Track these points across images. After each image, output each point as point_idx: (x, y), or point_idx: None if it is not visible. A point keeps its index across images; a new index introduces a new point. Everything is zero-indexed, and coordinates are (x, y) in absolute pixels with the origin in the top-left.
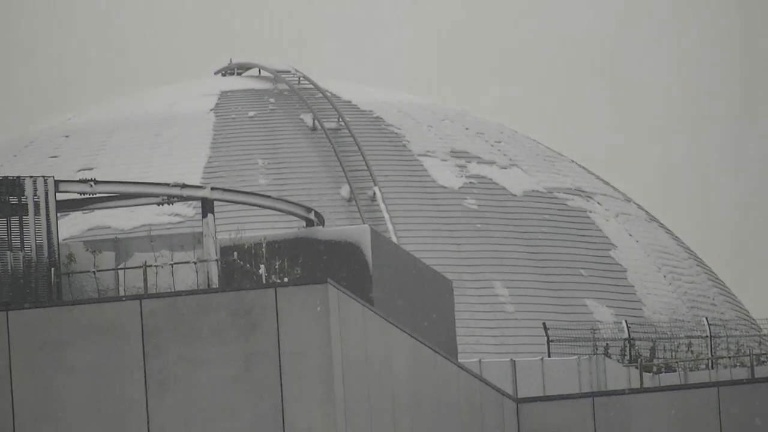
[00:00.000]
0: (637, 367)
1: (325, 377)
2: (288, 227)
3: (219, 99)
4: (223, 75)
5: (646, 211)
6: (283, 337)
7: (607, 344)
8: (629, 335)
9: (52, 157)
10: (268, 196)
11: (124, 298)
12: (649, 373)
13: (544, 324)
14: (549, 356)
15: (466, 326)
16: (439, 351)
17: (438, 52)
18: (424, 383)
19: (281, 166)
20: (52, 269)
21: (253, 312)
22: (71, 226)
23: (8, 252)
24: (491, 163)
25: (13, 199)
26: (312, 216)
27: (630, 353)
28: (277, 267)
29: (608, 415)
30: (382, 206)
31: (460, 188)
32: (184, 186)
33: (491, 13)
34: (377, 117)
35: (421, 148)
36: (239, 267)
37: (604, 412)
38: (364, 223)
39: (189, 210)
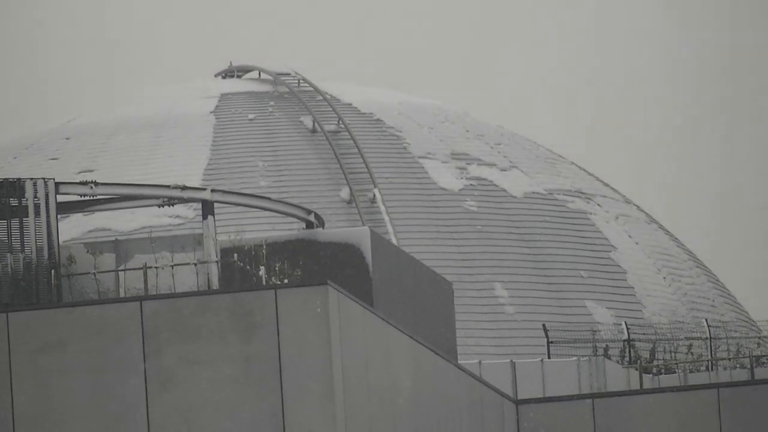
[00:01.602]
0: (636, 369)
1: (324, 378)
2: (288, 229)
3: (219, 101)
4: (223, 77)
5: (646, 213)
6: (283, 339)
7: (606, 346)
8: (629, 337)
9: (53, 159)
10: (268, 198)
11: (124, 300)
12: (649, 374)
13: (543, 325)
14: (549, 357)
15: (466, 328)
16: (439, 352)
17: (438, 54)
18: (423, 384)
19: (281, 168)
20: (53, 271)
21: (253, 313)
22: (71, 227)
23: (8, 254)
24: (491, 165)
25: (14, 201)
26: (312, 218)
27: (630, 355)
28: (277, 268)
29: (608, 417)
30: (382, 208)
31: (460, 190)
32: (184, 188)
33: (492, 15)
34: (377, 119)
35: (421, 150)
36: (239, 268)
37: (604, 414)
38: (364, 225)
39: (189, 212)
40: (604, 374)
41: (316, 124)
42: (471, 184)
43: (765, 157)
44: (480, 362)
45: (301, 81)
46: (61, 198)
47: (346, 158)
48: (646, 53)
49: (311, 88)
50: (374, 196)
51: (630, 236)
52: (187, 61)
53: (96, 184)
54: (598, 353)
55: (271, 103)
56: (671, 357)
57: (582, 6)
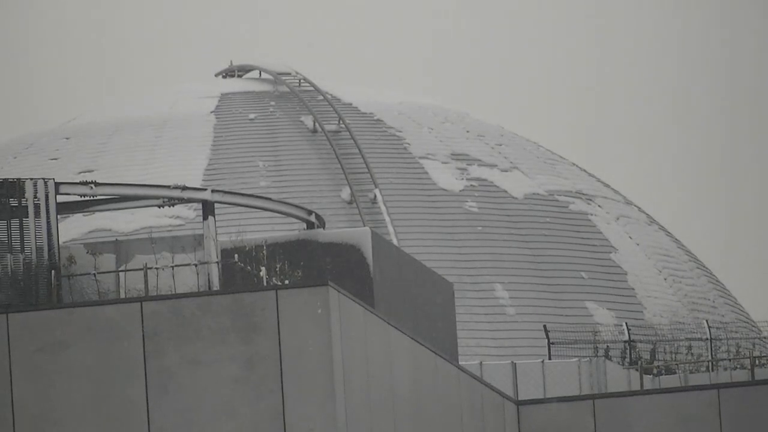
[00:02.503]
0: (637, 370)
1: (325, 379)
2: (289, 229)
3: (219, 101)
4: (224, 77)
5: (647, 214)
6: (284, 339)
7: (607, 346)
8: (629, 337)
9: (53, 159)
10: (269, 199)
11: (124, 300)
12: (650, 375)
13: (544, 326)
14: (549, 358)
15: (466, 329)
16: (440, 353)
17: (439, 54)
18: (424, 385)
19: (282, 168)
20: (53, 271)
21: (254, 314)
22: (72, 228)
23: (8, 254)
24: (492, 165)
25: (14, 201)
26: (312, 218)
27: (630, 355)
28: (277, 269)
29: (609, 417)
30: (383, 209)
31: (460, 191)
32: (184, 188)
33: (492, 15)
34: (378, 119)
35: (422, 151)
36: (240, 269)
37: (605, 414)
38: (364, 226)
39: (190, 212)
40: (605, 375)
41: (316, 124)
42: (471, 185)
43: (766, 157)
44: (481, 363)
45: (301, 81)
46: (61, 198)
47: (346, 158)
48: (647, 53)
49: (312, 88)
50: (375, 196)
51: (631, 237)
52: (187, 60)
53: (96, 184)
54: (598, 354)
55: (272, 102)
56: (672, 358)
57: (583, 6)
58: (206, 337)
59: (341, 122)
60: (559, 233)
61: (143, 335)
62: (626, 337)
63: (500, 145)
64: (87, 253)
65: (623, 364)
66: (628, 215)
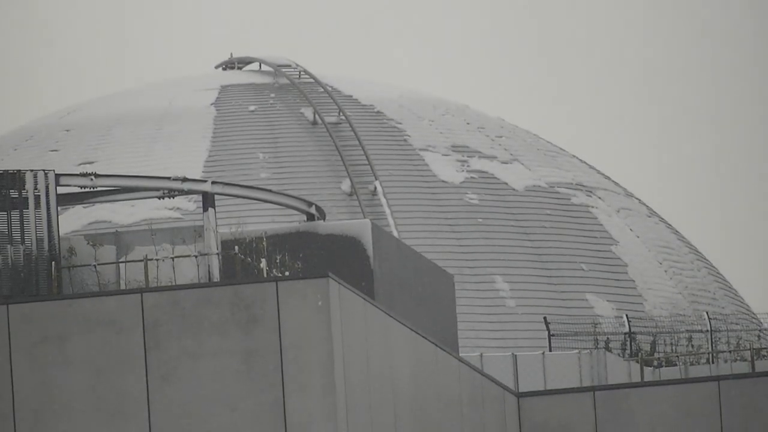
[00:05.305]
0: (637, 361)
1: (325, 371)
2: (289, 221)
3: (219, 93)
4: (224, 69)
5: (648, 206)
6: (284, 331)
7: (607, 338)
8: (630, 329)
9: (53, 150)
10: (269, 190)
11: (125, 292)
12: (650, 367)
13: (545, 318)
14: (550, 350)
15: (467, 320)
16: (440, 345)
17: (439, 47)
18: (425, 377)
19: (282, 160)
20: (53, 263)
21: (254, 306)
22: (72, 219)
23: (9, 245)
24: (492, 157)
25: (14, 193)
26: (313, 210)
27: (631, 347)
28: (278, 261)
29: (609, 409)
30: (383, 201)
31: (461, 183)
32: (184, 180)
33: (493, 8)
34: (378, 111)
35: (422, 143)
36: (240, 261)
37: (605, 406)
38: (365, 218)
39: (190, 204)
40: (605, 367)
41: (316, 115)
42: (472, 177)
43: (765, 150)
44: (481, 355)
45: (301, 73)
46: (61, 190)
47: (346, 150)
48: (646, 46)
49: (312, 80)
50: (375, 188)
51: (631, 230)
52: (187, 52)
53: (96, 175)
54: (599, 346)
55: (272, 95)
56: (672, 350)
57: (583, 0)
58: (206, 329)
59: (341, 114)
60: (559, 225)
61: (143, 327)
62: (627, 329)
63: (501, 137)
64: (87, 244)
65: (624, 356)
66: (628, 207)
